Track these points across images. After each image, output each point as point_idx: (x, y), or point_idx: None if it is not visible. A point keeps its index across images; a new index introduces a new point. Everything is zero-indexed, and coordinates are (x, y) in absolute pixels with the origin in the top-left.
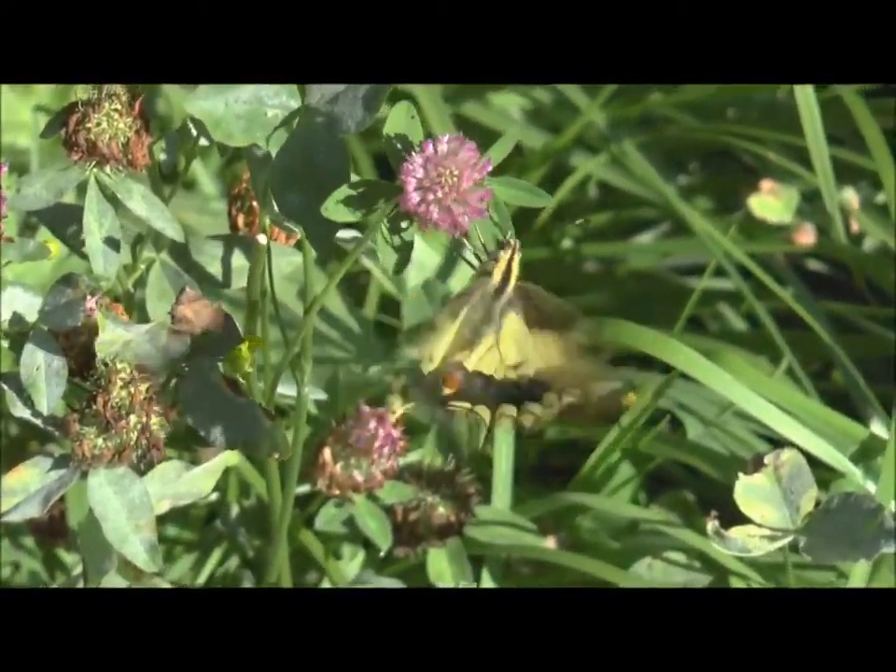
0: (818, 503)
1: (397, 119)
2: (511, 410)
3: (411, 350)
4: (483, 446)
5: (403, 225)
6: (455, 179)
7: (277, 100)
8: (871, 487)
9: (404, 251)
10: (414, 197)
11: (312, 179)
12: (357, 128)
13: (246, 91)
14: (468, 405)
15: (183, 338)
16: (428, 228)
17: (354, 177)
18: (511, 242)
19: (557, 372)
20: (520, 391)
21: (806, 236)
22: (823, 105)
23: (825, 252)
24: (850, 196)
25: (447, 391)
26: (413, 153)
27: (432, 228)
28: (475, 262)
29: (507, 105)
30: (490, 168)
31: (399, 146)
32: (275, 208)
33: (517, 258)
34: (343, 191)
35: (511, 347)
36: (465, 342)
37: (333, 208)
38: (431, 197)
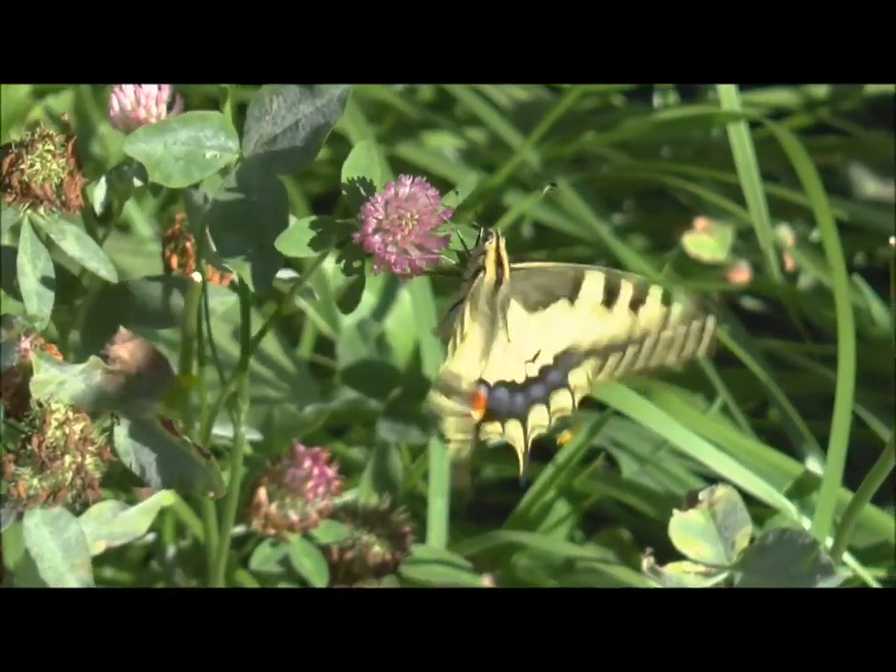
0: (753, 539)
1: (357, 159)
2: (541, 418)
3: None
4: (523, 473)
5: (355, 265)
6: (415, 223)
7: (216, 141)
8: (806, 523)
9: (355, 290)
10: (376, 238)
11: (250, 220)
12: (295, 169)
13: (185, 133)
14: (499, 429)
15: (118, 378)
16: (382, 269)
17: (292, 219)
18: (492, 230)
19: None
20: (546, 385)
21: (741, 274)
22: (758, 144)
23: (760, 290)
24: (785, 233)
25: (476, 414)
26: (376, 194)
27: (385, 269)
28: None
29: (441, 146)
30: (450, 215)
31: (358, 186)
32: (212, 248)
33: (503, 243)
34: (298, 227)
35: (524, 339)
36: (481, 352)
37: (287, 244)
38: (391, 239)
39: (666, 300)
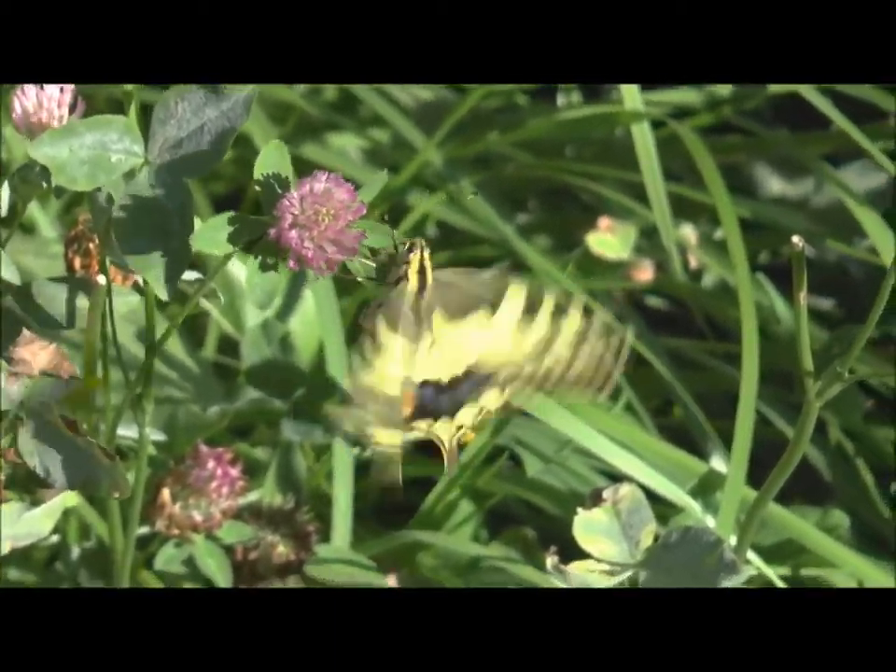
0: (657, 537)
1: (268, 157)
2: (468, 416)
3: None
4: (448, 469)
5: (269, 261)
6: (331, 219)
7: (121, 145)
8: (710, 521)
9: (270, 287)
10: (293, 234)
11: (156, 223)
12: (201, 173)
13: (90, 137)
14: (425, 428)
15: (21, 380)
16: (298, 266)
17: (197, 221)
18: (417, 241)
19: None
20: (473, 384)
21: (645, 273)
22: (661, 143)
23: (664, 288)
24: (688, 232)
25: (405, 411)
26: (292, 190)
27: (301, 265)
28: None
29: (345, 146)
30: (364, 212)
31: (273, 182)
32: (117, 251)
33: (427, 254)
34: (212, 224)
35: (447, 343)
36: (405, 355)
37: (202, 241)
38: (307, 234)
39: (587, 312)
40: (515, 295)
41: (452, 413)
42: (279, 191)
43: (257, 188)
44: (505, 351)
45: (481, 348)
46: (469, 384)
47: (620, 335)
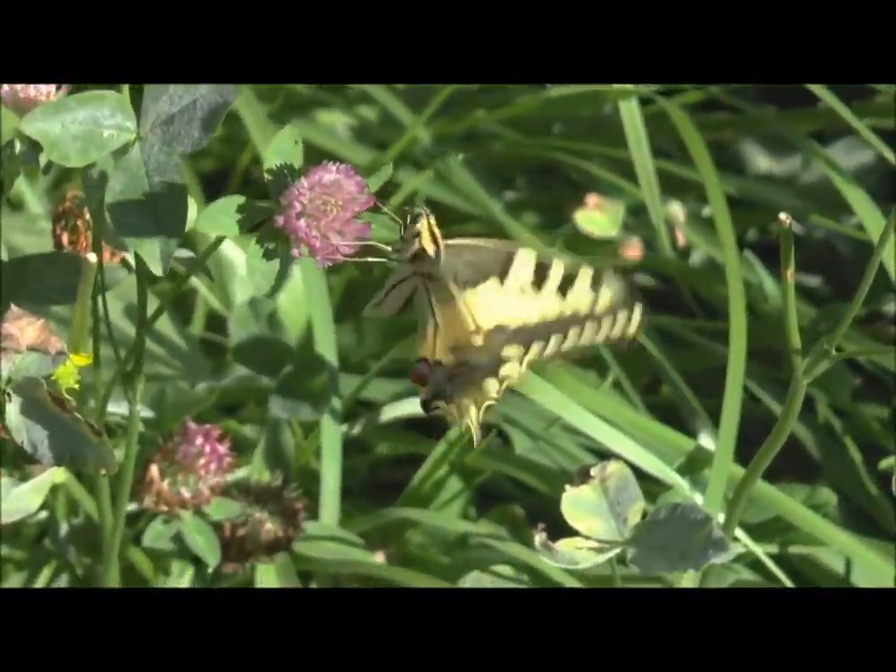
0: (645, 515)
1: (280, 145)
2: (491, 389)
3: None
4: (476, 444)
5: (270, 247)
6: (339, 209)
7: (113, 121)
8: (698, 499)
9: (270, 273)
10: (301, 223)
11: (148, 200)
12: (193, 148)
13: (83, 113)
14: (447, 405)
15: (8, 355)
16: (303, 254)
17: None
18: (421, 210)
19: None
20: (490, 357)
21: (633, 250)
22: (649, 120)
23: (652, 266)
24: (676, 210)
25: (422, 392)
26: (302, 178)
27: (306, 253)
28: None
29: (333, 123)
30: (372, 204)
31: (284, 171)
32: (109, 227)
33: (432, 220)
34: (218, 207)
35: (464, 311)
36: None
37: (206, 223)
38: (314, 224)
39: (597, 281)
40: (524, 261)
41: (476, 387)
42: (289, 180)
43: (266, 175)
44: (523, 315)
45: (498, 314)
46: (487, 357)
47: (629, 310)
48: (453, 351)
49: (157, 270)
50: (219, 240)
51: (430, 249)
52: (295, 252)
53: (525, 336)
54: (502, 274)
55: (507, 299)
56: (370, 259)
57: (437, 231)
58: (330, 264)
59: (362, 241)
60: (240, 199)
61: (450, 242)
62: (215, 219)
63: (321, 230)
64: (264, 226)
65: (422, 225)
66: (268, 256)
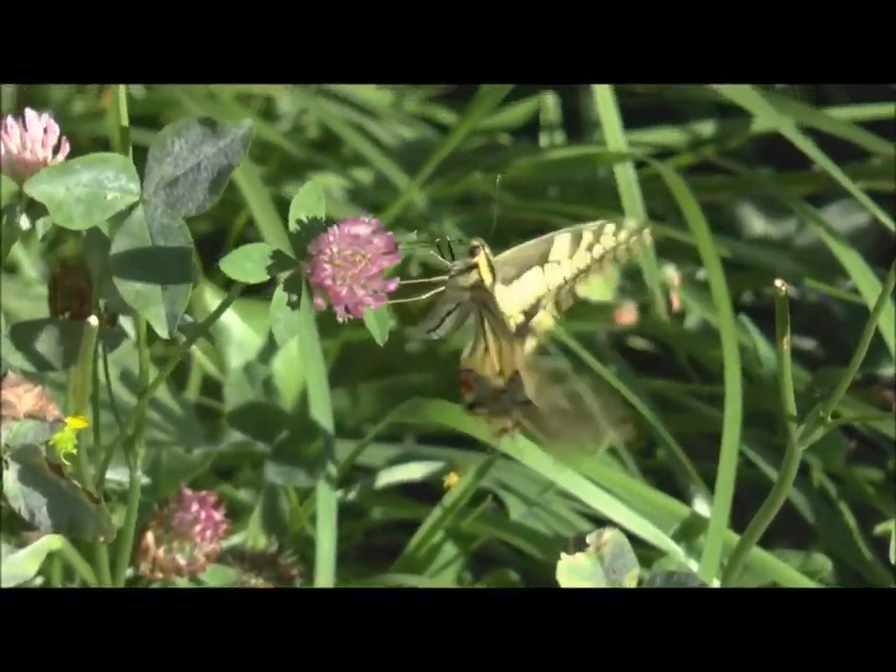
0: (640, 582)
1: (306, 197)
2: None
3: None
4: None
5: (293, 297)
6: (367, 262)
7: (117, 183)
8: (693, 566)
9: (292, 323)
10: (328, 271)
11: (153, 263)
12: (197, 211)
13: (87, 175)
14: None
15: (6, 422)
16: (324, 304)
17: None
18: (477, 244)
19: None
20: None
21: (628, 316)
22: (644, 183)
23: (647, 330)
24: (671, 273)
25: (467, 397)
26: (332, 228)
27: (329, 303)
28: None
29: (328, 186)
30: (399, 261)
31: (310, 223)
32: (111, 290)
33: (488, 250)
34: (242, 253)
35: (505, 301)
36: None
37: (232, 266)
38: (341, 274)
39: (618, 231)
40: (562, 244)
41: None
42: (316, 230)
43: (293, 226)
44: (553, 283)
45: (536, 291)
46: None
47: (638, 235)
48: (500, 374)
49: (163, 332)
50: (224, 305)
51: (488, 279)
52: (319, 302)
53: (556, 293)
54: (542, 262)
55: (545, 277)
56: (428, 282)
57: (493, 261)
58: (350, 318)
59: (385, 298)
60: (265, 247)
61: (498, 258)
62: (239, 265)
63: (347, 280)
64: (288, 277)
65: (480, 257)
66: (291, 306)
